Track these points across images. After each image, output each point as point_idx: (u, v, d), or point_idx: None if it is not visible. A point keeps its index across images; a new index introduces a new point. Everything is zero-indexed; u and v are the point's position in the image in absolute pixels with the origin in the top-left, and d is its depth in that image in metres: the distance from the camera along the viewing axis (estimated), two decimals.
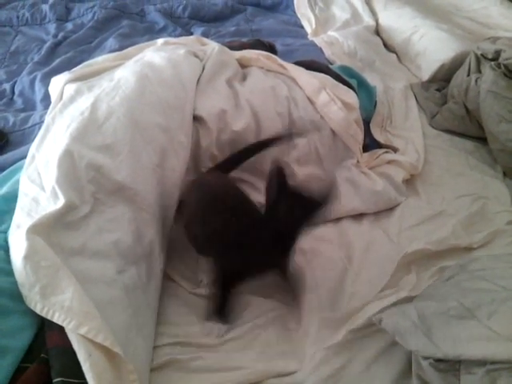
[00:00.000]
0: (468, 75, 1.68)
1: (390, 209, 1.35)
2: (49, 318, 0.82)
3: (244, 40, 1.83)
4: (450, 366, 0.81)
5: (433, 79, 1.87)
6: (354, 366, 0.95)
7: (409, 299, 1.01)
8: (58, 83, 1.37)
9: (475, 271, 0.97)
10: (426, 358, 0.85)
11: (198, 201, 1.05)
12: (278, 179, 0.89)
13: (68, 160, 1.03)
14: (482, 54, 1.63)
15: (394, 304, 1.00)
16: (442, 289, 0.98)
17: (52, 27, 2.17)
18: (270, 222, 0.92)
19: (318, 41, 2.06)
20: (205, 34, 2.06)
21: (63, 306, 0.82)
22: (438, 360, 0.83)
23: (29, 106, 1.70)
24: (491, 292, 0.88)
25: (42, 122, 1.27)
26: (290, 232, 0.93)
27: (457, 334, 0.83)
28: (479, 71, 1.65)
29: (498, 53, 1.56)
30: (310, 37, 2.16)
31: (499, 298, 0.86)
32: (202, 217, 1.01)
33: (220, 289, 1.04)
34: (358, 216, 1.33)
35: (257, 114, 1.31)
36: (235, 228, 0.94)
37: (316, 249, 1.21)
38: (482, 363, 0.78)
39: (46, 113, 1.32)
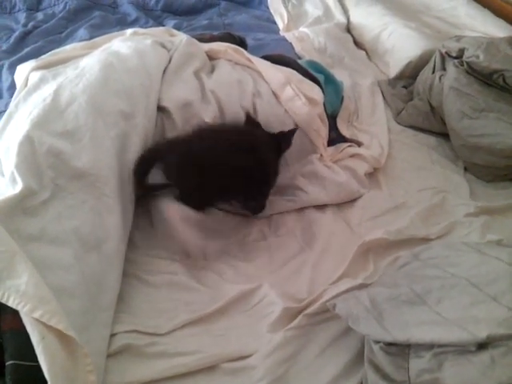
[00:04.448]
0: (433, 72, 1.71)
1: (353, 200, 1.36)
2: (4, 301, 0.81)
3: (215, 33, 1.83)
4: (400, 349, 0.83)
5: (400, 76, 1.90)
6: (308, 350, 0.96)
7: (364, 286, 1.03)
8: (23, 71, 1.35)
9: (427, 259, 0.99)
10: (377, 342, 0.87)
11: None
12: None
13: (28, 146, 1.02)
14: (446, 52, 1.66)
15: (348, 290, 1.02)
16: (395, 276, 1.00)
17: (22, 16, 2.14)
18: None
19: (288, 36, 2.07)
20: (177, 27, 2.04)
21: (18, 290, 0.81)
22: (389, 344, 0.85)
23: None
24: (441, 279, 0.90)
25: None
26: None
27: (406, 319, 0.85)
28: (444, 69, 1.68)
29: (461, 51, 1.59)
30: (281, 32, 2.16)
31: (448, 284, 0.88)
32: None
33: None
34: (322, 207, 1.34)
35: (222, 107, 1.31)
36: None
37: (279, 236, 1.25)
38: (429, 347, 0.80)
39: (11, 101, 1.30)
